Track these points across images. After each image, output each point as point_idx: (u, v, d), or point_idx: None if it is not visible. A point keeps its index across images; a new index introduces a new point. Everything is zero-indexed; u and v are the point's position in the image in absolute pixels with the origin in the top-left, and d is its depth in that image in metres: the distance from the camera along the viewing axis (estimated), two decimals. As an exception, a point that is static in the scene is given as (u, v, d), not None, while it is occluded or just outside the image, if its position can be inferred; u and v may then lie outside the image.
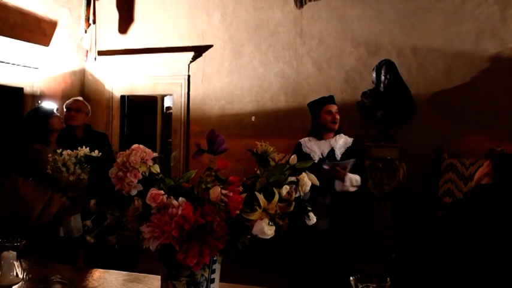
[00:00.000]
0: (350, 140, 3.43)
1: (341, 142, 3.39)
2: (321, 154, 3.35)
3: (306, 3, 5.59)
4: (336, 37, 5.47)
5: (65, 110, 3.76)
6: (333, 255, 3.24)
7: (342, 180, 3.17)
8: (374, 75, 5.04)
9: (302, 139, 3.48)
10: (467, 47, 4.98)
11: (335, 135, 3.41)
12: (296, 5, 5.63)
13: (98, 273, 1.93)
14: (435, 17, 5.09)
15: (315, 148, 3.37)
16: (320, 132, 3.40)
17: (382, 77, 4.95)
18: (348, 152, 3.35)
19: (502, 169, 2.40)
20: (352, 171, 3.20)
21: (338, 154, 3.34)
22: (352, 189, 3.23)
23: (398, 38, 5.21)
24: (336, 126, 3.38)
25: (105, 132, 4.59)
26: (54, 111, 3.43)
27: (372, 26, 5.31)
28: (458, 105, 5.01)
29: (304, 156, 3.26)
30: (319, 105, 3.41)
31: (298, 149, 3.41)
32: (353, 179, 3.21)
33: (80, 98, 3.95)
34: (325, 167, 3.17)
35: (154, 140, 6.43)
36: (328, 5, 5.49)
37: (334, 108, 3.39)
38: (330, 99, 3.45)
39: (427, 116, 5.08)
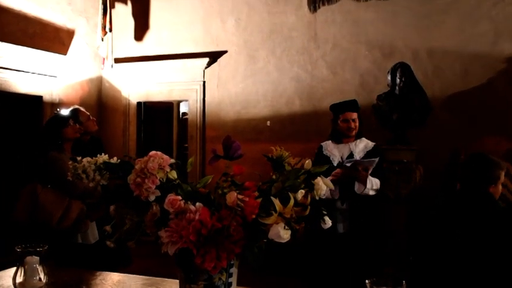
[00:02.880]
0: (371, 144, 3.39)
1: (361, 146, 3.36)
2: (341, 158, 3.32)
3: (319, 7, 5.59)
4: (350, 40, 5.46)
5: (87, 118, 3.84)
6: (352, 259, 3.21)
7: (364, 182, 3.14)
8: (389, 78, 4.99)
9: (324, 142, 3.46)
10: (484, 48, 4.92)
11: (356, 139, 3.38)
12: (310, 9, 5.64)
13: (117, 278, 1.96)
14: (450, 18, 5.05)
15: (335, 152, 3.35)
16: (339, 136, 3.39)
17: (398, 80, 4.90)
18: (367, 157, 3.29)
19: (464, 172, 2.49)
20: (372, 175, 3.17)
21: (357, 158, 3.30)
22: (371, 192, 3.20)
23: (413, 40, 5.18)
24: (353, 134, 3.34)
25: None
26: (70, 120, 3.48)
27: (386, 29, 5.29)
28: (475, 107, 4.95)
29: (324, 159, 3.28)
30: (338, 111, 3.38)
31: (319, 152, 3.42)
32: (373, 183, 3.18)
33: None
34: (347, 164, 3.11)
35: (170, 145, 6.49)
36: (342, 8, 5.48)
37: (352, 116, 3.33)
38: (349, 106, 3.38)
39: (443, 118, 5.03)
